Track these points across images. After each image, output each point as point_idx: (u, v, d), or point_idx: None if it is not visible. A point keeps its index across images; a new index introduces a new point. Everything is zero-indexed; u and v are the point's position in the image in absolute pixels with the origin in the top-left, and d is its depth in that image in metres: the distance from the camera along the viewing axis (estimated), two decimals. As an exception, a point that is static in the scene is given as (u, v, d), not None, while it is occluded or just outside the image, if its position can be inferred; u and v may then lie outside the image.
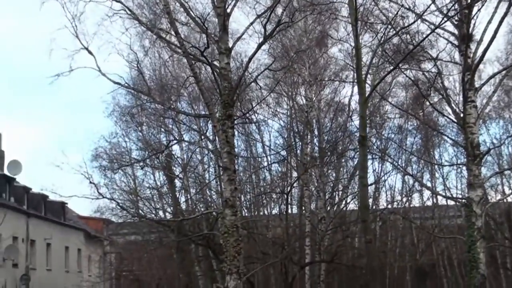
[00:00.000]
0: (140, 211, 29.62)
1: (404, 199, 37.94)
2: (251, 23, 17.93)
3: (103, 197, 23.19)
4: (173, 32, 17.13)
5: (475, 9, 18.53)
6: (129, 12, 17.43)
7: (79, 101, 77.49)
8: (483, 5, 18.51)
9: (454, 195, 33.96)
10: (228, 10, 16.83)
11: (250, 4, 21.16)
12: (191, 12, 17.34)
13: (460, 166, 30.59)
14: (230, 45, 17.11)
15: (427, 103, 23.23)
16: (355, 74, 27.55)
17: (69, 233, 47.54)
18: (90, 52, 17.71)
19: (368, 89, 20.65)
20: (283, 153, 31.12)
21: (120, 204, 27.77)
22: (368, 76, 19.76)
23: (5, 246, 35.82)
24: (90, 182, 20.83)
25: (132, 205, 30.41)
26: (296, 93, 30.73)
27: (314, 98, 29.45)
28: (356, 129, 28.44)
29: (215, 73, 16.99)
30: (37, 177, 65.21)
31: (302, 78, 29.31)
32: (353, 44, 27.70)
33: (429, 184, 37.36)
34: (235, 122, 18.07)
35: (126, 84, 19.50)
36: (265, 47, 21.22)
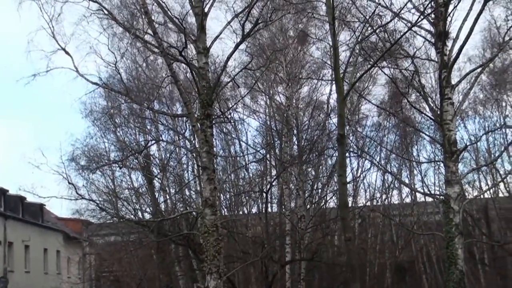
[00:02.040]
0: (120, 212, 29.46)
1: (383, 197, 38.18)
2: (229, 22, 17.91)
3: (82, 198, 23.12)
4: (151, 32, 17.09)
5: (451, 7, 18.70)
6: (106, 12, 17.37)
7: (57, 102, 76.92)
8: (458, 3, 18.68)
9: (432, 192, 34.20)
10: (206, 10, 16.84)
11: (228, 3, 21.14)
12: (168, 12, 17.31)
13: (438, 163, 30.83)
14: (208, 44, 17.10)
15: (405, 100, 23.38)
16: (333, 73, 27.75)
17: (47, 234, 47.19)
18: (67, 53, 17.67)
19: (346, 87, 20.72)
20: (262, 151, 31.15)
21: (99, 205, 27.65)
22: (346, 74, 19.76)
23: (-17, 249, 35.52)
24: (69, 183, 20.78)
25: (111, 206, 30.23)
26: (274, 91, 30.78)
27: (292, 96, 29.51)
28: (335, 127, 28.54)
29: (193, 73, 16.97)
30: (14, 178, 64.58)
31: (279, 76, 29.36)
32: (331, 42, 27.95)
33: (407, 181, 37.65)
34: (214, 121, 18.04)
35: (103, 85, 19.45)
36: (242, 46, 21.19)
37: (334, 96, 29.21)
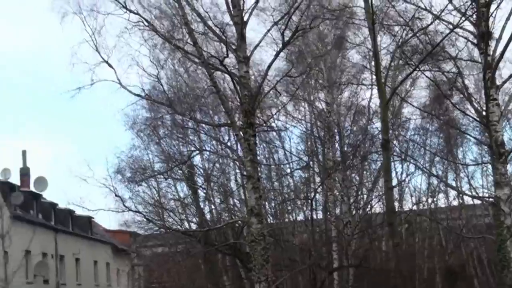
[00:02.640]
0: (166, 223, 29.61)
1: (430, 200, 37.60)
2: (268, 30, 17.97)
3: (129, 210, 23.40)
4: (191, 42, 17.16)
5: (493, 7, 18.34)
6: (146, 24, 17.52)
7: (100, 114, 77.94)
8: (501, 2, 18.30)
9: (481, 194, 33.55)
10: (245, 19, 16.84)
11: (268, 12, 21.14)
12: (208, 21, 17.38)
13: (485, 164, 30.26)
14: (248, 53, 17.09)
15: (448, 102, 23.02)
16: (373, 77, 27.50)
17: (97, 247, 47.76)
18: (110, 65, 17.90)
19: (387, 91, 20.50)
20: (306, 159, 31.00)
21: (146, 216, 27.85)
22: (388, 78, 19.59)
23: (35, 262, 36.04)
24: (116, 195, 21.01)
25: (157, 217, 30.43)
26: (315, 98, 30.63)
27: (333, 102, 29.33)
28: (377, 131, 28.27)
29: (235, 82, 16.99)
30: (62, 192, 65.58)
31: (320, 83, 29.21)
32: (369, 46, 27.72)
33: (454, 184, 37.00)
34: (257, 130, 18.02)
35: (146, 96, 19.61)
36: (282, 53, 21.19)
37: (375, 100, 29.02)
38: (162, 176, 28.91)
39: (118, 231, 46.85)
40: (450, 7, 18.18)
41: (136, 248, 49.24)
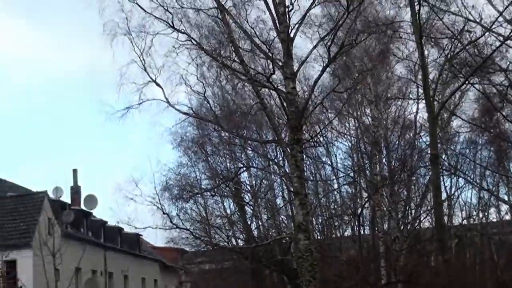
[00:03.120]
0: (213, 240, 29.65)
1: (481, 215, 36.85)
2: (315, 46, 17.91)
3: (176, 227, 23.49)
4: (237, 60, 17.20)
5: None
6: (194, 43, 17.64)
7: (148, 132, 78.74)
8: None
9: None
10: (292, 35, 16.80)
11: (314, 28, 21.13)
12: (255, 38, 17.41)
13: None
14: (295, 69, 17.05)
15: (500, 115, 22.56)
16: (419, 90, 27.14)
17: (145, 264, 48.05)
18: (158, 84, 18.06)
19: (435, 105, 20.18)
20: (352, 174, 30.73)
21: (193, 233, 27.93)
22: (436, 92, 19.29)
23: (85, 280, 36.41)
24: (163, 213, 21.12)
25: (204, 233, 30.50)
26: (361, 113, 30.40)
27: (380, 117, 29.06)
28: (425, 145, 27.87)
29: (282, 98, 16.95)
30: (111, 209, 66.33)
31: (366, 98, 28.99)
32: (415, 60, 27.37)
33: (506, 198, 36.22)
34: (304, 146, 17.92)
35: (193, 114, 19.72)
36: (328, 69, 21.11)
37: (422, 114, 28.63)
38: (209, 193, 29.01)
39: (165, 248, 47.05)
40: (500, 19, 17.82)
41: (183, 265, 49.44)
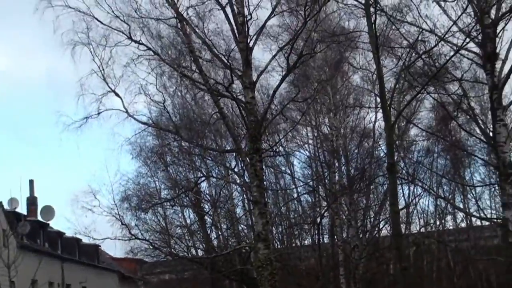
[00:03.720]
0: (173, 250, 29.50)
1: (438, 222, 37.40)
2: (274, 56, 18.05)
3: (136, 238, 23.33)
4: (197, 70, 17.23)
5: (499, 28, 18.35)
6: (153, 53, 17.62)
7: (107, 143, 77.95)
8: (507, 23, 18.30)
9: (489, 216, 33.40)
10: (251, 45, 16.89)
11: (272, 38, 21.29)
12: (214, 48, 17.46)
13: (493, 185, 30.11)
14: (254, 79, 17.13)
15: (455, 124, 22.96)
16: (378, 100, 27.44)
17: (103, 275, 47.47)
18: (117, 94, 18.00)
19: (393, 114, 20.45)
20: (312, 183, 30.90)
21: (153, 244, 27.74)
22: (393, 101, 19.55)
23: (41, 292, 35.81)
24: (122, 224, 20.99)
25: (164, 244, 30.30)
26: (320, 122, 30.65)
27: (339, 126, 29.34)
28: (383, 154, 28.18)
29: (241, 108, 17.00)
30: (69, 221, 65.47)
31: (326, 107, 29.25)
32: (373, 69, 27.70)
33: (462, 206, 36.81)
34: (263, 155, 17.99)
35: (153, 124, 19.64)
36: (288, 78, 21.29)
37: (380, 123, 28.98)
38: (168, 203, 28.84)
39: (124, 259, 46.59)
40: (454, 28, 18.16)
41: (142, 276, 49.04)
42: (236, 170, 27.66)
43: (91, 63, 17.69)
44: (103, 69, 17.69)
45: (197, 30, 17.25)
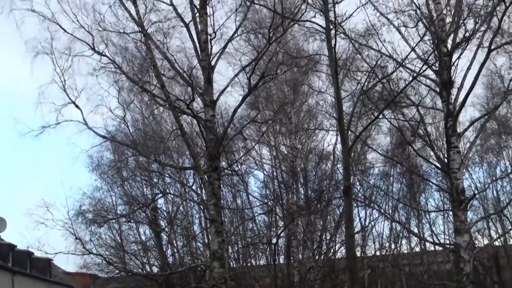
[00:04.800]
0: (127, 266, 29.27)
1: (392, 246, 37.80)
2: (236, 75, 18.12)
3: (89, 253, 23.10)
4: (159, 86, 17.27)
5: (454, 56, 18.82)
6: (116, 66, 17.62)
7: (64, 155, 77.08)
8: (462, 53, 18.79)
9: (442, 241, 33.93)
10: (213, 63, 17.02)
11: (235, 56, 21.46)
12: (176, 65, 17.54)
13: (447, 211, 30.63)
14: (215, 97, 17.23)
15: (411, 149, 23.33)
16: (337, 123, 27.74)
17: (55, 290, 46.78)
18: (77, 106, 17.93)
19: (351, 137, 20.72)
20: (270, 203, 30.99)
21: (107, 259, 27.49)
22: (351, 124, 19.84)
23: (-10, 305, 35.17)
24: (76, 238, 20.79)
25: (118, 260, 30.05)
26: (279, 142, 30.85)
27: (300, 147, 29.58)
28: (342, 177, 28.39)
29: (201, 125, 17.06)
30: (21, 233, 64.24)
31: (286, 127, 29.48)
32: (332, 93, 28.03)
33: (416, 230, 37.25)
34: (221, 174, 18.07)
35: (111, 138, 19.57)
36: (249, 98, 21.46)
37: (340, 146, 29.33)
38: (124, 219, 28.65)
39: (78, 274, 45.99)
40: (413, 55, 18.55)
41: (95, 291, 48.31)
42: (193, 187, 27.65)
43: (52, 72, 17.61)
44: (63, 79, 17.64)
45: (160, 46, 17.32)
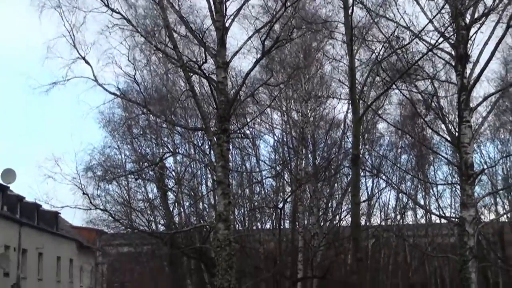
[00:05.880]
0: (133, 223, 29.51)
1: (398, 217, 37.93)
2: (249, 38, 18.02)
3: (96, 208, 23.26)
4: (171, 46, 17.18)
5: (472, 30, 18.63)
6: (128, 23, 17.49)
7: (74, 110, 77.23)
8: (480, 27, 18.59)
9: (448, 214, 33.98)
10: (227, 25, 16.89)
11: (249, 19, 21.27)
12: (190, 25, 17.42)
13: (454, 185, 30.61)
14: (228, 59, 17.16)
15: (422, 121, 23.23)
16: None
17: (61, 243, 47.35)
18: (87, 62, 17.80)
19: (362, 106, 20.64)
20: (278, 168, 31.08)
21: (113, 215, 27.71)
22: (363, 94, 19.75)
23: (-3, 254, 35.64)
24: (84, 193, 20.94)
25: (125, 216, 30.29)
26: (291, 108, 30.80)
27: (310, 114, 29.50)
28: (351, 146, 28.37)
29: (212, 87, 17.03)
30: (30, 185, 64.92)
31: (298, 94, 29.38)
32: (347, 61, 27.83)
33: (422, 202, 37.37)
34: (231, 136, 18.08)
35: (122, 95, 19.55)
36: (262, 61, 21.32)
37: (351, 114, 29.26)
38: (133, 176, 28.79)
39: (84, 228, 46.49)
40: (430, 27, 18.37)
41: (101, 246, 48.95)
42: (202, 148, 27.72)
43: (59, 27, 17.44)
44: (73, 35, 17.50)
45: (174, 5, 17.17)
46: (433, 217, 39.03)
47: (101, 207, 26.06)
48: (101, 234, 44.52)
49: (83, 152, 30.07)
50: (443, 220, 34.64)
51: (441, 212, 33.32)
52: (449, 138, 20.70)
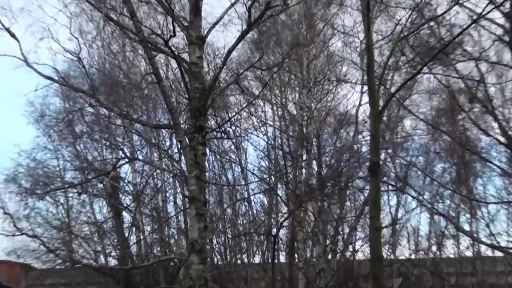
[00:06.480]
0: (74, 255, 29.69)
1: (433, 248, 38.14)
2: (232, 5, 18.09)
3: (22, 234, 23.47)
4: (128, 14, 17.38)
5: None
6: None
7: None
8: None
9: (503, 244, 34.18)
10: (203, -13, 17.18)
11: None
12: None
13: (512, 204, 30.76)
14: (204, 33, 17.38)
15: (466, 117, 23.46)
16: (365, 77, 27.89)
17: (-29, 282, 47.31)
18: (13, 35, 17.94)
19: (382, 96, 20.79)
20: (269, 180, 31.21)
21: (46, 245, 27.87)
22: (383, 80, 19.88)
23: None
24: (5, 213, 21.16)
25: (63, 245, 30.46)
26: (287, 99, 30.99)
27: (313, 106, 29.66)
28: (367, 149, 28.47)
29: (183, 70, 17.20)
30: None
31: (297, 79, 29.58)
32: (361, 36, 28.07)
33: (467, 228, 37.52)
34: (208, 136, 18.27)
35: (61, 80, 19.71)
36: (248, 36, 21.53)
37: (365, 107, 29.53)
38: (74, 190, 29.02)
39: (4, 262, 46.47)
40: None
41: (28, 286, 48.91)
42: (170, 153, 27.95)
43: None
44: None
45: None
46: (482, 247, 39.23)
47: (29, 232, 26.27)
48: (28, 269, 44.54)
49: (5, 156, 30.22)
50: (497, 252, 34.90)
51: (493, 242, 33.56)
52: (502, 140, 20.93)
